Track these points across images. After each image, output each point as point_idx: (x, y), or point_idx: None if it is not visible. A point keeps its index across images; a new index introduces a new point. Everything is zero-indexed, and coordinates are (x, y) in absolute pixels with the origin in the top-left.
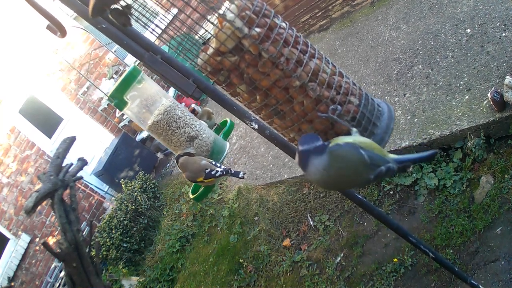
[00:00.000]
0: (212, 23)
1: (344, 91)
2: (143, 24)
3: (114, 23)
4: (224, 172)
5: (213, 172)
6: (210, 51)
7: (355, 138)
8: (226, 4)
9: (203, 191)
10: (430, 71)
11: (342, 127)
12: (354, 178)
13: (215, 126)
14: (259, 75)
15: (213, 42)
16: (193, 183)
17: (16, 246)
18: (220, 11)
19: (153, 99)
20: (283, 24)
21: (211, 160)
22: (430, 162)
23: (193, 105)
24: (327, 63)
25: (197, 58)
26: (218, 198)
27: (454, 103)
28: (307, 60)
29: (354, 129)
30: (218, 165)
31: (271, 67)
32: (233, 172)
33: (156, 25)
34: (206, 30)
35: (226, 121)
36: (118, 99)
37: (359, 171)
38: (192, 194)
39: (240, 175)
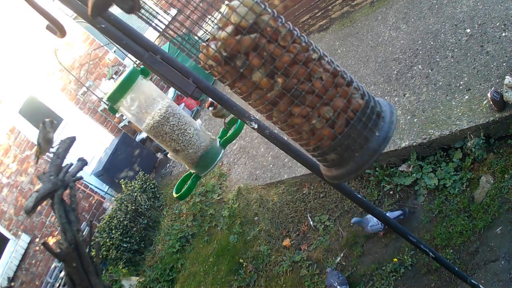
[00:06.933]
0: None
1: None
2: (147, 19)
3: (114, 22)
4: None
5: None
6: (230, 28)
7: None
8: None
9: (186, 190)
10: (429, 71)
11: (359, 101)
12: None
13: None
14: (280, 50)
15: (232, 18)
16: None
17: (16, 246)
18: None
19: (150, 101)
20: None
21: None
22: None
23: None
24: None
25: (211, 44)
26: (218, 198)
27: (454, 103)
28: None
29: None
30: None
31: (290, 40)
32: None
33: (161, 19)
34: (220, 13)
35: (234, 121)
36: (116, 101)
37: None
38: (176, 193)
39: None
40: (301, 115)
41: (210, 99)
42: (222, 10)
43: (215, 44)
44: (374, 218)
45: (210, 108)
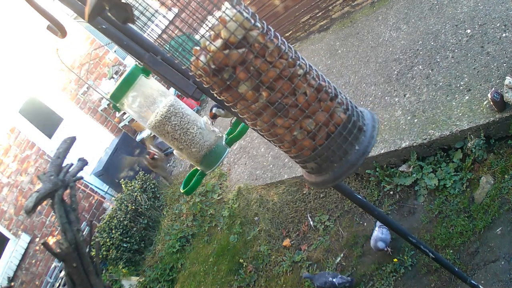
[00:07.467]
0: (216, 19)
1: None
2: (141, 26)
3: (115, 23)
4: None
5: None
6: (219, 43)
7: None
8: (225, 6)
9: (190, 187)
10: (430, 71)
11: (341, 115)
12: None
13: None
14: (266, 65)
15: (222, 33)
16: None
17: (16, 246)
18: (218, 14)
19: (152, 99)
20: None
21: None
22: None
23: (213, 110)
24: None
25: (201, 57)
26: (218, 198)
27: (454, 103)
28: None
29: None
30: None
31: (277, 56)
32: None
33: (158, 23)
34: (209, 26)
35: (238, 124)
36: (118, 99)
37: None
38: (183, 189)
39: None
40: (284, 126)
41: (213, 111)
42: (212, 20)
43: (204, 56)
44: (378, 232)
45: (210, 120)
